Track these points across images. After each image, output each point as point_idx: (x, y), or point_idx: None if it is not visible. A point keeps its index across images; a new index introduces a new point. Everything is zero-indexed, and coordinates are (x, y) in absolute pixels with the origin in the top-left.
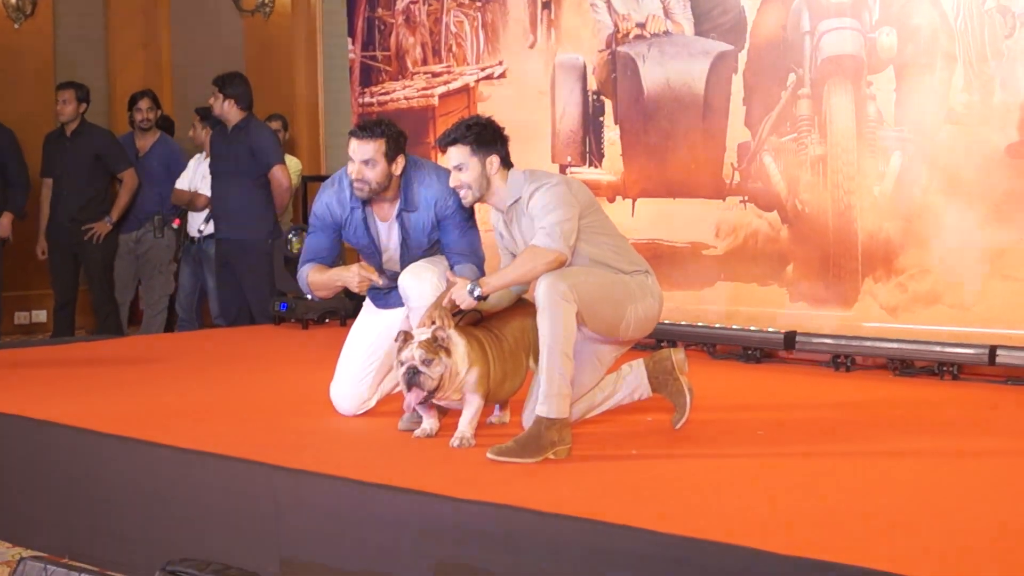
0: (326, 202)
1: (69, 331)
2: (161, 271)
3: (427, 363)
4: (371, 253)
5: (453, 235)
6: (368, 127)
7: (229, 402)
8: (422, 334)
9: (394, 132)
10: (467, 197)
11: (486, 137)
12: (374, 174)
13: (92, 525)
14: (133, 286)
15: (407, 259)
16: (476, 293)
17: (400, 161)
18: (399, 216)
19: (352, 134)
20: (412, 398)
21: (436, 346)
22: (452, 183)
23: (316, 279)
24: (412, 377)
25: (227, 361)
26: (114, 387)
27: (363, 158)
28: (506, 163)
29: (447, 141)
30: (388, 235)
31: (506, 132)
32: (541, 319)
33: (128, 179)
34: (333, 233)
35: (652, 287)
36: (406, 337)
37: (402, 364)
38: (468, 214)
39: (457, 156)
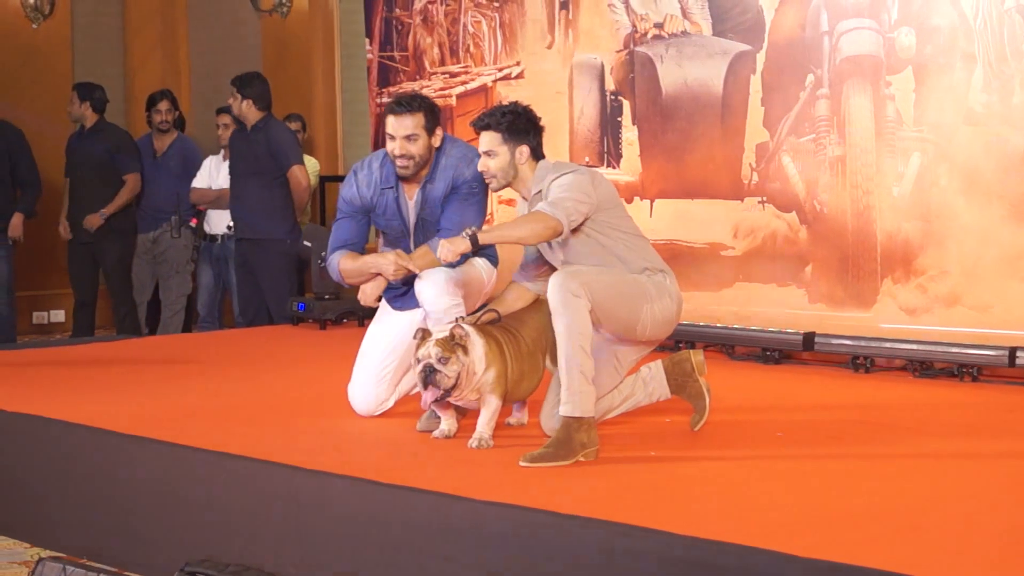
0: (356, 186)
1: (88, 331)
2: (178, 271)
3: (444, 361)
4: (401, 235)
5: (448, 208)
6: (405, 102)
7: (247, 402)
8: (440, 332)
9: (430, 104)
10: (492, 183)
11: (519, 126)
12: (417, 148)
13: (111, 525)
14: (151, 286)
15: (420, 236)
16: (469, 232)
17: (439, 133)
18: (422, 188)
19: (390, 111)
20: (428, 396)
21: (453, 344)
22: (480, 167)
23: (348, 267)
24: (428, 375)
25: (245, 361)
26: (133, 387)
27: (405, 133)
28: (537, 154)
29: (481, 125)
30: (413, 214)
31: (542, 123)
32: (556, 319)
33: (131, 181)
34: (363, 218)
35: (670, 287)
36: (424, 335)
37: (419, 362)
38: (478, 188)
39: (488, 142)
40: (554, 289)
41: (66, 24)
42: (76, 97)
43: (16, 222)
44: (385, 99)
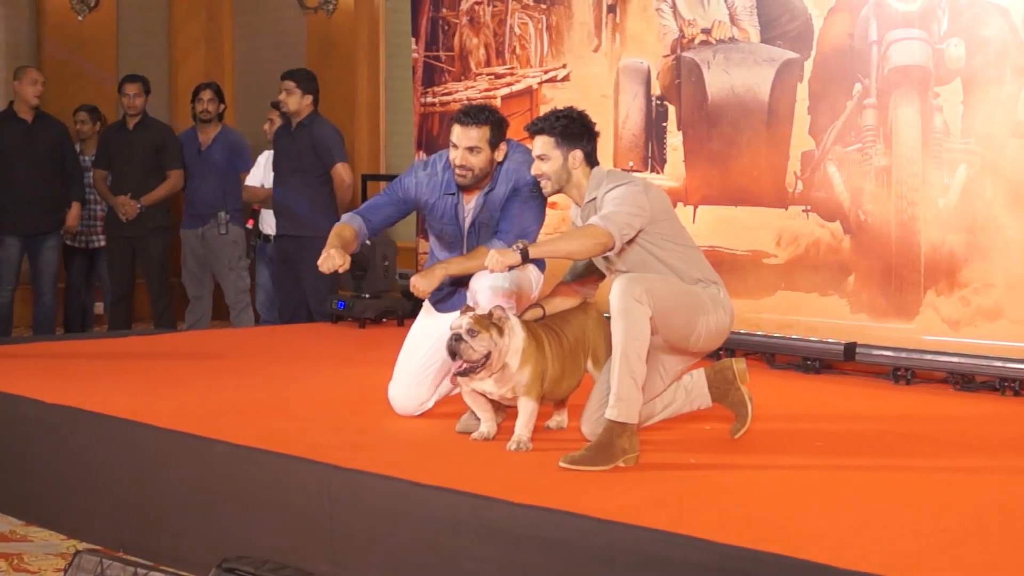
0: (417, 182)
1: (126, 324)
2: (231, 267)
3: (472, 334)
4: (455, 239)
5: (508, 210)
6: (473, 113)
7: (285, 399)
8: (482, 311)
9: (498, 119)
10: (546, 187)
11: (573, 131)
12: (478, 161)
13: (147, 519)
14: (209, 281)
15: (473, 240)
16: (519, 246)
17: (503, 148)
18: (484, 194)
19: (456, 120)
20: (453, 367)
21: (489, 323)
22: (533, 171)
23: (339, 232)
24: (454, 344)
25: (284, 358)
26: (170, 382)
27: (468, 145)
28: (591, 160)
29: (535, 129)
30: (470, 218)
31: (597, 128)
32: (615, 322)
33: (175, 177)
34: (403, 207)
35: (724, 300)
36: (467, 310)
37: (451, 331)
38: (538, 191)
39: (541, 146)
40: (617, 293)
41: (112, 17)
42: (142, 90)
43: (75, 212)
44: (430, 99)
